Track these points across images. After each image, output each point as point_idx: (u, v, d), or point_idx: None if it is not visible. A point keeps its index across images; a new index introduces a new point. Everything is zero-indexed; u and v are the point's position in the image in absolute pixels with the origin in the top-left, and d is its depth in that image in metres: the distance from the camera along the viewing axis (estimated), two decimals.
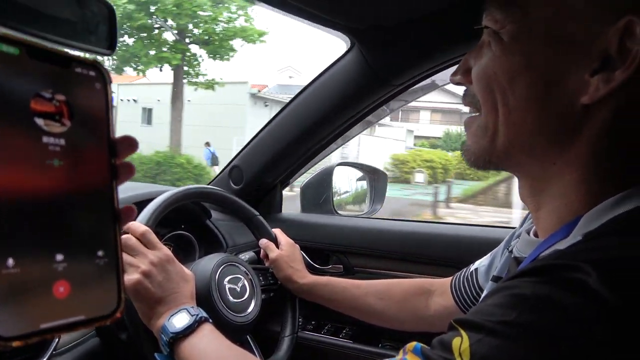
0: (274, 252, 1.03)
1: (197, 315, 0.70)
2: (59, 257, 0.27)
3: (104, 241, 0.30)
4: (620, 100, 0.41)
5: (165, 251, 0.75)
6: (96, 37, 0.44)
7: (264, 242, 1.06)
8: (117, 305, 0.30)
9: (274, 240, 1.07)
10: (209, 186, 1.09)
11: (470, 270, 0.80)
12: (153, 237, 0.75)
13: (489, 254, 0.78)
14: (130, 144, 0.33)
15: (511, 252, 0.61)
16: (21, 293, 0.25)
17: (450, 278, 0.85)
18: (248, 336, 1.02)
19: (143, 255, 0.71)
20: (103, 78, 0.31)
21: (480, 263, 0.79)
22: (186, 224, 1.12)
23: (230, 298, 0.88)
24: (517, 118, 0.46)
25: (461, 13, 0.83)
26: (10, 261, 0.25)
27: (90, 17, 0.44)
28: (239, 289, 0.91)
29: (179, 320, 0.68)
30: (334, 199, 1.41)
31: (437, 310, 0.86)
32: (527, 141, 0.47)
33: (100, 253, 0.30)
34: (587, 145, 0.43)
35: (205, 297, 0.83)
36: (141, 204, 0.83)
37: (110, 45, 0.45)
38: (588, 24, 0.42)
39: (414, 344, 0.42)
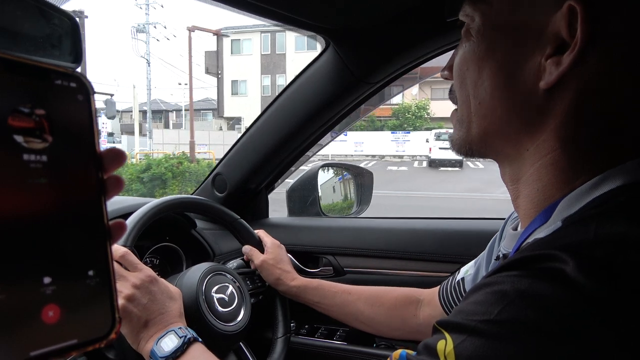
0: (258, 258, 1.02)
1: (185, 336, 0.68)
2: (47, 280, 0.26)
3: (94, 260, 0.29)
4: (580, 82, 0.42)
5: (148, 271, 0.72)
6: (60, 51, 0.43)
7: (246, 249, 1.04)
8: (112, 325, 0.29)
9: (258, 243, 1.05)
10: (186, 195, 1.08)
11: (457, 279, 0.80)
12: (133, 259, 0.72)
13: (473, 262, 0.78)
14: (117, 156, 0.31)
15: (497, 259, 0.61)
16: (8, 320, 0.24)
17: (438, 287, 0.85)
18: (241, 343, 1.01)
19: (124, 279, 0.69)
20: (85, 89, 0.30)
21: (466, 272, 0.79)
22: (171, 235, 1.10)
23: (219, 308, 0.87)
24: (487, 109, 0.48)
25: (433, 8, 0.83)
26: None
27: (53, 31, 0.43)
28: (227, 298, 0.90)
29: (167, 343, 0.67)
30: (320, 200, 1.40)
31: (425, 319, 0.86)
32: (500, 129, 0.48)
33: (91, 273, 0.28)
34: (554, 129, 0.44)
35: (194, 311, 0.82)
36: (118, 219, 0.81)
37: (75, 59, 0.44)
38: (538, 10, 0.43)
39: (399, 351, 0.42)
